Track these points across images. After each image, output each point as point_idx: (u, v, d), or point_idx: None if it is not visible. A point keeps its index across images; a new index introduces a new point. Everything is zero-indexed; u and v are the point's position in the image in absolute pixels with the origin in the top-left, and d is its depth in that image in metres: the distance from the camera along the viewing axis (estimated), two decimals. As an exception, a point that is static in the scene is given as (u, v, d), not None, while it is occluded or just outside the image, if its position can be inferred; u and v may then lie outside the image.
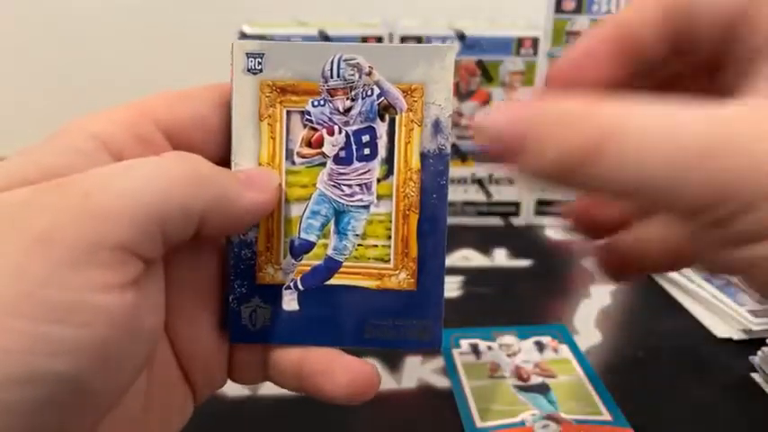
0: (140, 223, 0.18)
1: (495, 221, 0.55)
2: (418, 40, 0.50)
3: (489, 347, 0.37)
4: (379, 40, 0.50)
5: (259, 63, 0.23)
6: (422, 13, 0.57)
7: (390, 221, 0.24)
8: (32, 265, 0.16)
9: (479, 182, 0.54)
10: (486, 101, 0.51)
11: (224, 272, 0.24)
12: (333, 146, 0.24)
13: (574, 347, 0.37)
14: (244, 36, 0.51)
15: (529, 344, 0.38)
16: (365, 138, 0.24)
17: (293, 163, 0.24)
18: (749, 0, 0.18)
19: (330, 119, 0.24)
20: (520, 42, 0.50)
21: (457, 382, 0.34)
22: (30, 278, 0.16)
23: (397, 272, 0.24)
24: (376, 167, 0.24)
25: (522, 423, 0.31)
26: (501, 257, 0.50)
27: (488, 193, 0.54)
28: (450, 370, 0.35)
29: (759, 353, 0.35)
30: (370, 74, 0.23)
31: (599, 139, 0.16)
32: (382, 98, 0.23)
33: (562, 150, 0.17)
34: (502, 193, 0.54)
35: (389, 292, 0.24)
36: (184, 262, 0.22)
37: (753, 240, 0.16)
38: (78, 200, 0.17)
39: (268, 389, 0.34)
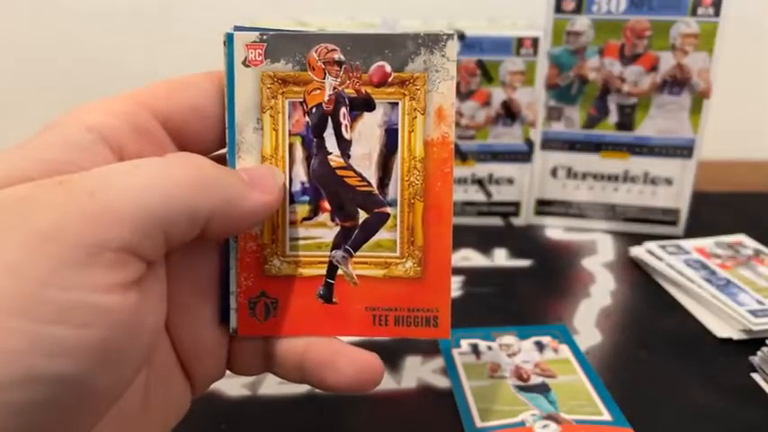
0: (144, 226, 0.18)
1: (495, 221, 0.55)
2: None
3: (489, 347, 0.37)
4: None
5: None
6: (422, 13, 0.57)
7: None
8: (33, 264, 0.16)
9: (479, 182, 0.54)
10: (487, 101, 0.51)
11: (223, 266, 0.24)
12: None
13: (574, 347, 0.37)
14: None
15: (529, 344, 0.38)
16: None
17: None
18: None
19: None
20: (520, 42, 0.50)
21: (457, 382, 0.34)
22: (30, 277, 0.16)
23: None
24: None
25: (522, 423, 0.31)
26: (501, 257, 0.50)
27: (488, 193, 0.54)
28: (450, 370, 0.35)
29: (759, 353, 0.35)
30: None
31: None
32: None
33: None
34: (502, 193, 0.54)
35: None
36: (185, 258, 0.22)
37: None
38: (83, 199, 0.17)
39: (268, 389, 0.34)
